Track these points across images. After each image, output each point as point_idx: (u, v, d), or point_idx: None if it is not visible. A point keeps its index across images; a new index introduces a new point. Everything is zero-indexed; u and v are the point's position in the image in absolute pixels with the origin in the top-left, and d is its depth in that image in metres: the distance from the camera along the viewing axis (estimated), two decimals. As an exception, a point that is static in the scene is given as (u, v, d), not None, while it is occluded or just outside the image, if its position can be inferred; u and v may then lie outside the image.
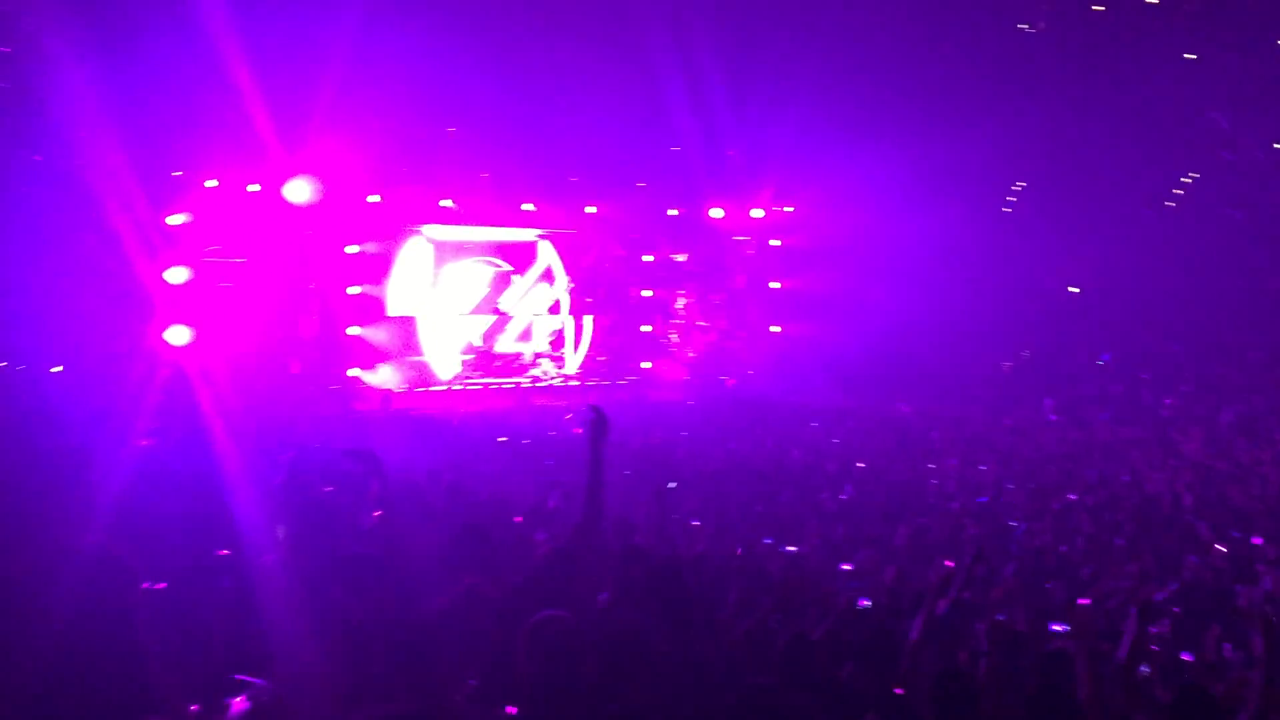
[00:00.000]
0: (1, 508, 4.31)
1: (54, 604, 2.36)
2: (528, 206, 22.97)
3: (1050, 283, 25.12)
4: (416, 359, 22.08)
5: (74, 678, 2.21)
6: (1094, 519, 12.54)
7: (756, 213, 25.01)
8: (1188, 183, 23.69)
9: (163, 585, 3.73)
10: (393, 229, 21.74)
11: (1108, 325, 24.57)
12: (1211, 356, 23.44)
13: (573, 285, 23.86)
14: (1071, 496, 13.80)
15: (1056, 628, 7.65)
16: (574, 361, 23.90)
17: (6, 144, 14.23)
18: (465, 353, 22.70)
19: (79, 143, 13.93)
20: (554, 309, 23.77)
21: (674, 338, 25.09)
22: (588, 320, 24.12)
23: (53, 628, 2.20)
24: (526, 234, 23.45)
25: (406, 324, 22.04)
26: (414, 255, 22.14)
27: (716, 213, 24.77)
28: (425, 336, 22.28)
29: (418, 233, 22.11)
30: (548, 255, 23.74)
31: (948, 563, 8.62)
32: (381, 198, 21.03)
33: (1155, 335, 23.91)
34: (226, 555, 4.20)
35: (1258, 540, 11.26)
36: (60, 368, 15.20)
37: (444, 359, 22.44)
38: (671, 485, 12.49)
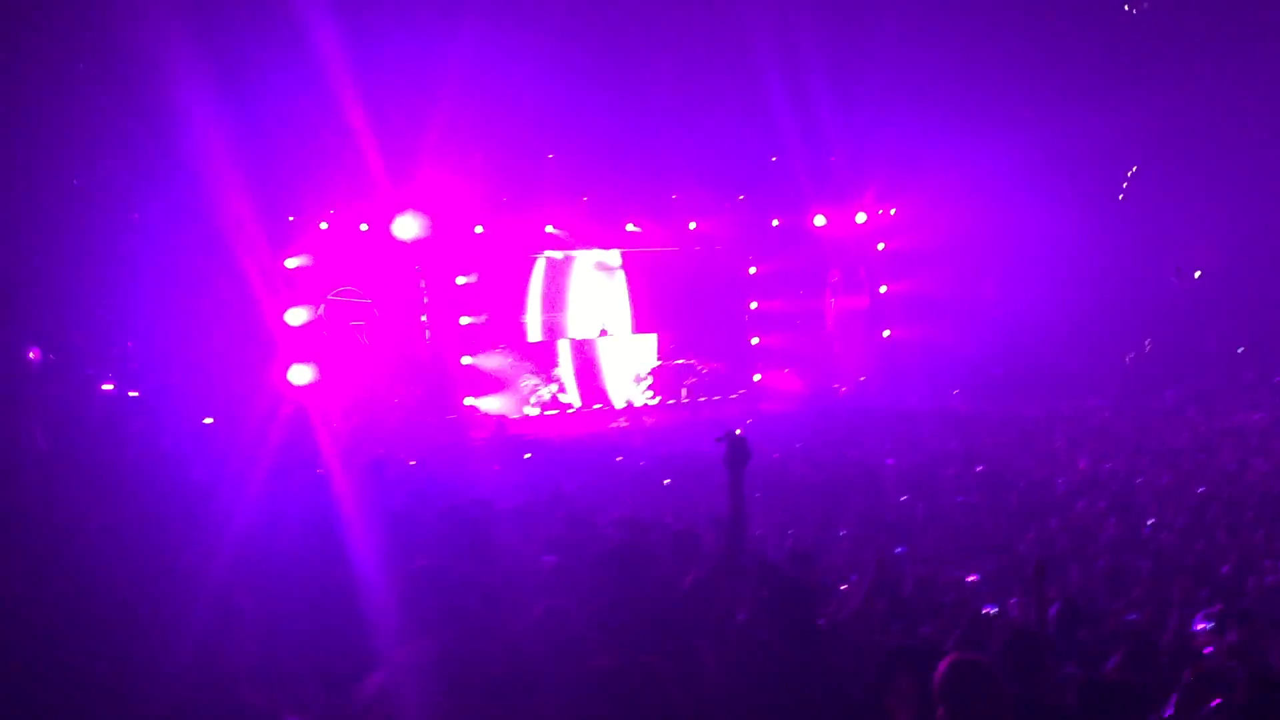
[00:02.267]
0: (133, 543, 4.49)
1: (171, 639, 2.45)
2: (631, 227, 23.11)
3: (1168, 271, 24.18)
4: (531, 384, 22.38)
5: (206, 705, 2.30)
6: (1230, 512, 12.00)
7: (860, 217, 24.70)
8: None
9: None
10: (500, 257, 22.10)
11: (1233, 312, 23.54)
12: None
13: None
14: (1202, 489, 13.22)
15: (1200, 625, 7.37)
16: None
17: (139, 186, 14.89)
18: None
19: (205, 183, 14.48)
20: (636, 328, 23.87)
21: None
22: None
23: (165, 669, 2.28)
24: (626, 254, 23.54)
25: (523, 350, 22.37)
26: (527, 280, 22.52)
27: (820, 220, 24.55)
28: (563, 359, 22.64)
29: (533, 258, 22.45)
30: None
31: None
32: (486, 228, 21.42)
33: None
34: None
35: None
36: (211, 419, 15.78)
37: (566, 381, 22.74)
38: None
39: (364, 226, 19.86)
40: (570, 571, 4.88)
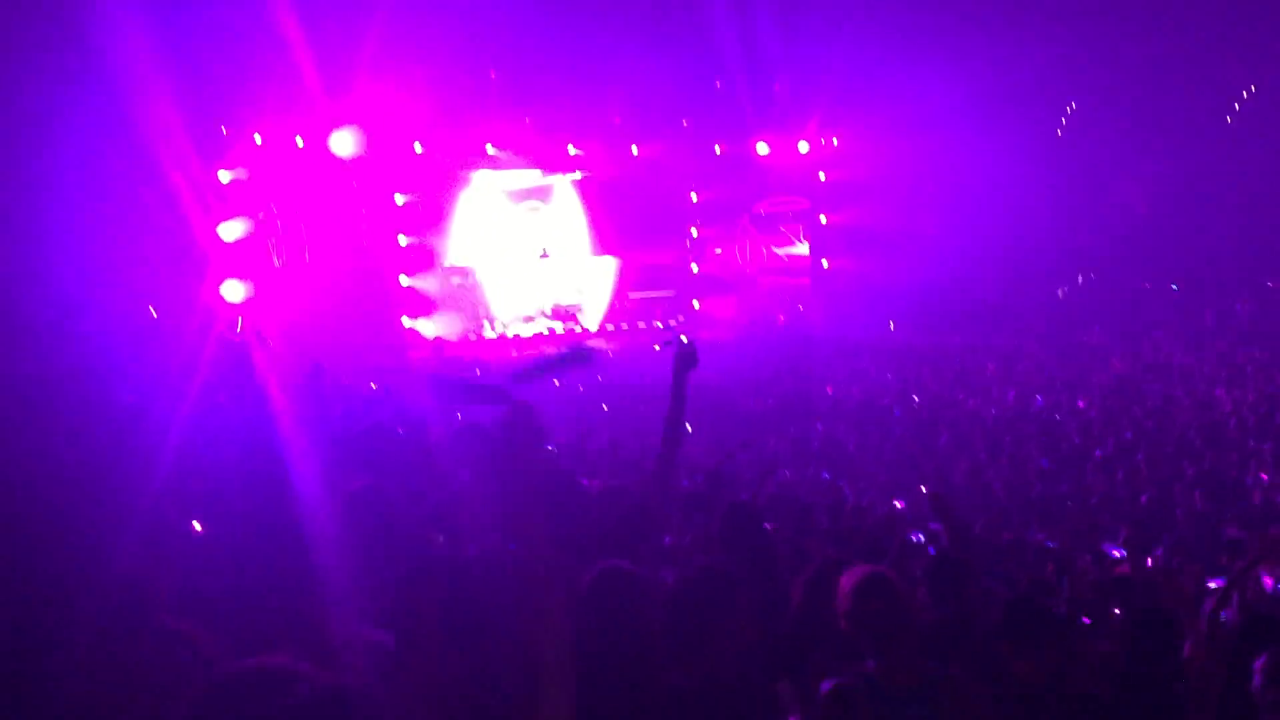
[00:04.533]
0: (56, 466, 4.39)
1: (109, 563, 2.40)
2: (572, 149, 22.86)
3: (1106, 207, 24.53)
4: (471, 307, 22.20)
5: (129, 633, 2.26)
6: (1153, 446, 12.34)
7: (803, 147, 24.65)
8: (1246, 98, 22.95)
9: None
10: (439, 177, 21.78)
11: (1167, 248, 23.98)
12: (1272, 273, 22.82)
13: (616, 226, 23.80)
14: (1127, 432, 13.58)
15: (1116, 552, 7.59)
16: (601, 307, 23.76)
17: (61, 94, 14.32)
18: (523, 301, 22.78)
19: (133, 94, 13.97)
20: (596, 250, 23.75)
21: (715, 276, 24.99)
22: (615, 261, 23.93)
23: (106, 587, 2.24)
24: (570, 177, 23.36)
25: (460, 273, 22.14)
26: (466, 203, 22.21)
27: (763, 148, 24.45)
28: (484, 284, 22.39)
29: (467, 181, 22.13)
30: (567, 194, 23.51)
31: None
32: (425, 146, 21.04)
33: (1217, 254, 23.30)
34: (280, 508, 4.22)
35: None
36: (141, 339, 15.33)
37: (498, 305, 22.54)
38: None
39: (299, 141, 19.39)
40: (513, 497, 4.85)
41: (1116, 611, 5.15)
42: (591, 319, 23.59)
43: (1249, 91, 22.96)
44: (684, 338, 5.21)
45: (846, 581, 3.42)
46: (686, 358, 4.55)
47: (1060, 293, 24.41)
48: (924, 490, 10.19)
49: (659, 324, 23.70)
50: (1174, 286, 23.42)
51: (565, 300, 23.31)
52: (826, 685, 3.52)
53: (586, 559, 3.62)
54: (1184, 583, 5.82)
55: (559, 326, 22.97)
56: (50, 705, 1.99)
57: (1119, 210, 24.66)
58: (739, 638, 3.37)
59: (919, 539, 7.07)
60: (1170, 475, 10.92)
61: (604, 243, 23.78)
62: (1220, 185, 23.28)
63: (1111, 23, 21.08)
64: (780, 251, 25.61)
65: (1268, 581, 6.39)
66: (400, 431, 6.21)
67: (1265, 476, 10.53)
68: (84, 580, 2.52)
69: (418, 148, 20.94)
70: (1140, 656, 4.23)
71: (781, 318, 24.82)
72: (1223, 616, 4.87)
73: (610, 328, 23.62)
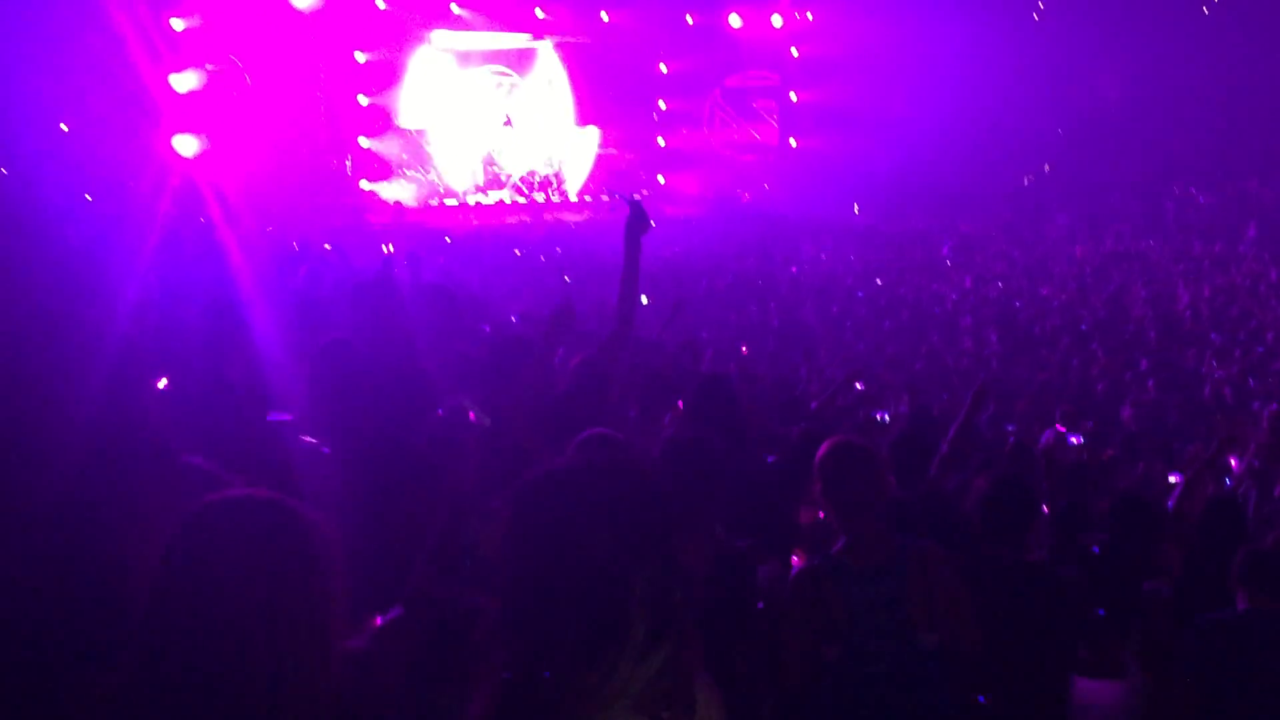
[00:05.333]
0: (11, 313, 4.26)
1: (71, 408, 2.32)
2: (539, 13, 22.18)
3: (1080, 94, 24.34)
4: (429, 172, 21.75)
5: (96, 481, 2.19)
6: (1108, 335, 12.51)
7: (776, 20, 24.09)
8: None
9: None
10: (402, 35, 21.08)
11: (1137, 139, 23.92)
12: (1241, 169, 22.89)
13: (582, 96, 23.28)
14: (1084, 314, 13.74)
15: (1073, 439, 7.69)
16: (579, 178, 23.38)
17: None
18: (479, 166, 22.32)
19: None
20: (579, 120, 23.23)
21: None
22: (596, 132, 23.51)
23: (68, 436, 2.16)
24: (538, 42, 22.72)
25: (418, 136, 21.62)
26: (422, 63, 21.54)
27: (735, 20, 23.86)
28: (437, 149, 21.88)
29: (427, 40, 21.45)
30: (549, 62, 22.94)
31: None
32: (389, 2, 20.31)
33: (1186, 146, 23.29)
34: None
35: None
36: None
37: (457, 172, 22.09)
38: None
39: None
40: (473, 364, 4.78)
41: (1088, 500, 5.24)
42: (571, 188, 23.23)
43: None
44: (636, 196, 5.05)
45: (823, 450, 3.42)
46: (638, 219, 4.45)
47: (1026, 180, 24.36)
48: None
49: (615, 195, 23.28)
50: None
51: (539, 169, 22.88)
52: (797, 567, 3.58)
53: (560, 432, 3.59)
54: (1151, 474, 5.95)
55: (521, 197, 22.60)
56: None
57: (1091, 98, 24.49)
58: (721, 509, 3.38)
59: (883, 418, 7.13)
60: (1124, 364, 11.10)
61: (584, 113, 23.27)
62: (1195, 77, 23.14)
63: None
64: (751, 130, 25.26)
65: (1234, 464, 6.54)
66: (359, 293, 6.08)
67: (1218, 370, 10.72)
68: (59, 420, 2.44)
69: (380, 3, 20.22)
70: (1117, 544, 4.32)
71: (746, 196, 24.60)
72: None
73: (589, 199, 23.27)
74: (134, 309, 5.08)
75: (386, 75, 21.05)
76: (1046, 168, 24.20)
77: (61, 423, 2.20)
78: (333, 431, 3.51)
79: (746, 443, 4.66)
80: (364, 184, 20.81)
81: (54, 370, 2.76)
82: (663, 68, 24.24)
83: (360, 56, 20.51)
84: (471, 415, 3.65)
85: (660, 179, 24.35)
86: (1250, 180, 22.42)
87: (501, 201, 22.33)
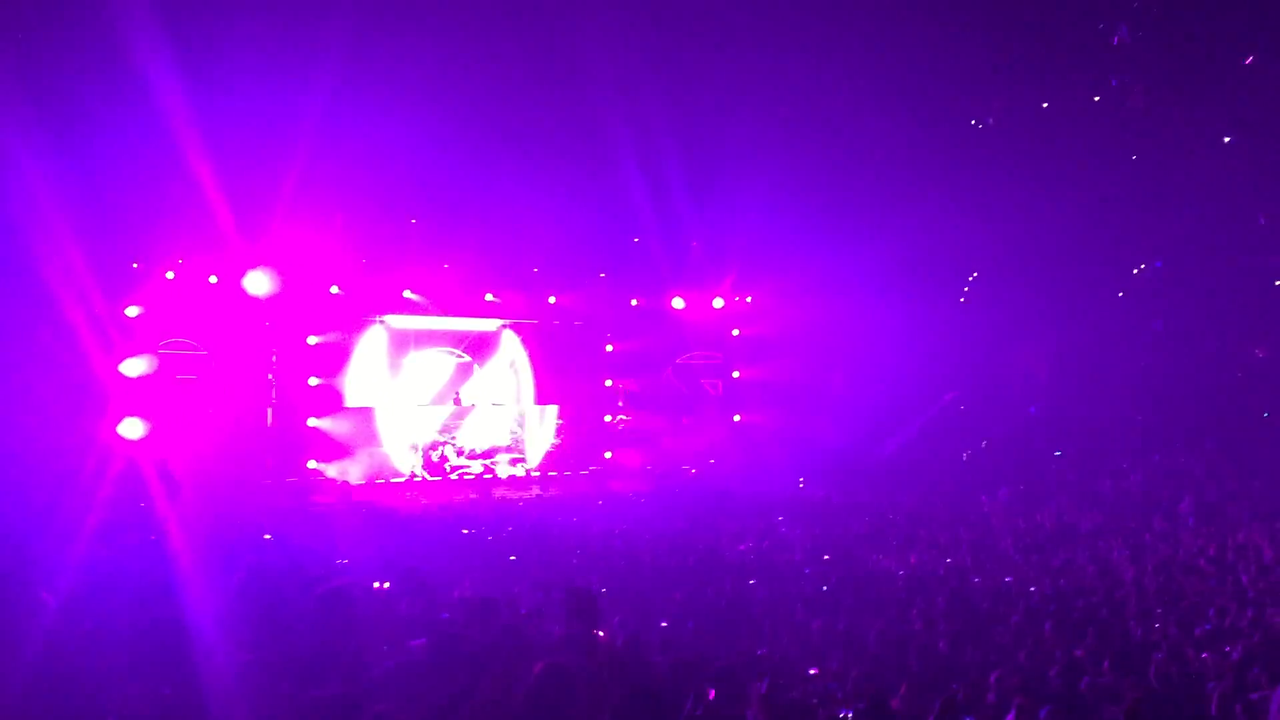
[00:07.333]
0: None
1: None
2: (490, 297, 23.02)
3: (1010, 370, 25.32)
4: (376, 451, 21.79)
5: None
6: (1060, 610, 12.42)
7: (718, 303, 25.20)
8: (1140, 271, 24.13)
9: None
10: (354, 320, 21.66)
11: (1066, 414, 24.71)
12: (1173, 444, 23.58)
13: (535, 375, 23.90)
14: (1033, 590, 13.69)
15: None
16: (536, 453, 23.75)
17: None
18: (426, 446, 22.48)
19: (32, 231, 13.76)
20: (538, 399, 23.89)
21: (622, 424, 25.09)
22: (550, 410, 24.07)
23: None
24: (489, 324, 23.46)
25: (365, 415, 21.81)
26: (373, 346, 22.04)
27: (678, 303, 24.91)
28: (384, 428, 22.02)
29: (379, 323, 22.03)
30: (511, 345, 23.77)
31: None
32: (343, 289, 20.97)
33: (1113, 423, 24.06)
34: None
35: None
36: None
37: (403, 451, 22.17)
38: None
39: (213, 279, 19.20)
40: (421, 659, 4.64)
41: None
42: (533, 458, 23.50)
43: (1140, 268, 24.16)
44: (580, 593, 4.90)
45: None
46: (581, 611, 4.37)
47: (964, 456, 24.87)
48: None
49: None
50: (1057, 454, 24.02)
51: (496, 441, 23.16)
52: None
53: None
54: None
55: (478, 466, 22.75)
56: None
57: (1021, 377, 25.44)
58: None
59: (846, 717, 6.89)
60: (1074, 641, 10.97)
61: (544, 392, 24.03)
62: (1117, 355, 24.20)
63: (1008, 195, 22.15)
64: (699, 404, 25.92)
65: None
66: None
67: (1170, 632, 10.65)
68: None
69: (335, 290, 20.86)
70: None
71: (693, 470, 24.83)
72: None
73: (553, 473, 23.53)
74: (62, 603, 4.92)
75: (338, 357, 21.45)
76: (984, 443, 24.77)
77: None
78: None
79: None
80: (311, 464, 20.73)
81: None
82: (608, 348, 25.00)
83: (312, 340, 20.94)
84: None
85: (607, 454, 24.59)
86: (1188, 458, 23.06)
87: (448, 478, 22.32)
